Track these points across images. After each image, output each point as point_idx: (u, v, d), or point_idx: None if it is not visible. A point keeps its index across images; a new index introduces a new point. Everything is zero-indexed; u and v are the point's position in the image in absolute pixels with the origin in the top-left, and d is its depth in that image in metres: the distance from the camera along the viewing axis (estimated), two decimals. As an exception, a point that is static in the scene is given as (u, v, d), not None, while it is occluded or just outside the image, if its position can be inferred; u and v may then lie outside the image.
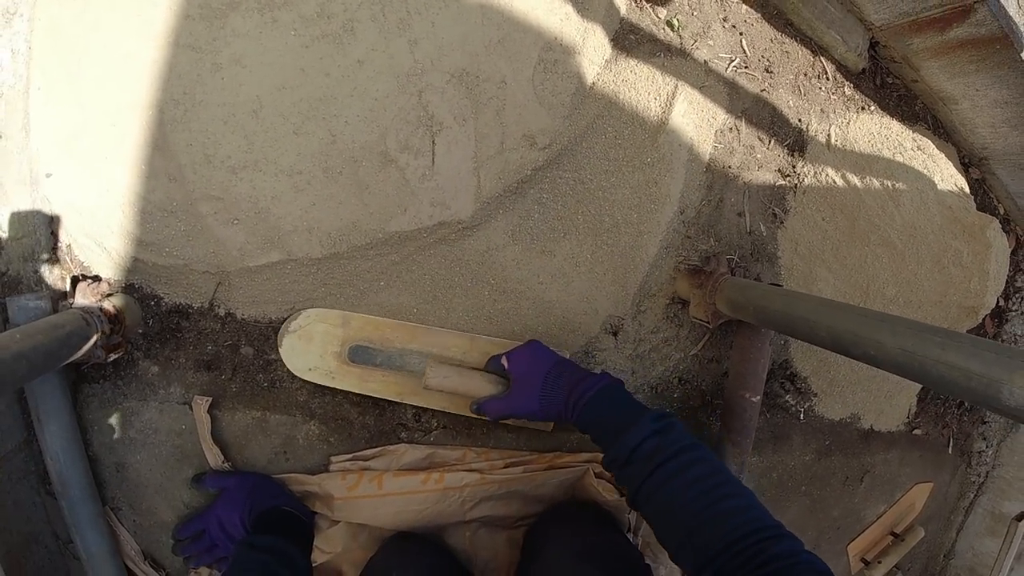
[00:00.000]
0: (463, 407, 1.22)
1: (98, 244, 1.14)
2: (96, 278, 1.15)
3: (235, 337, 1.23)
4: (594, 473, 1.25)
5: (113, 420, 1.20)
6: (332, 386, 1.23)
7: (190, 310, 1.20)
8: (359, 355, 1.23)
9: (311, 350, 1.22)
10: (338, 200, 1.14)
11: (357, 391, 1.24)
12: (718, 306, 1.20)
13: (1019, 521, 1.81)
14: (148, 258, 1.14)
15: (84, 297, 1.09)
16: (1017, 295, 2.01)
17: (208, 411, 1.19)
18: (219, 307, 1.22)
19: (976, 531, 2.33)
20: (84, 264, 1.15)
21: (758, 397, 1.28)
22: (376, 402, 1.28)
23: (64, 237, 1.13)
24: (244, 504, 1.14)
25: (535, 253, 1.24)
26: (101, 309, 1.07)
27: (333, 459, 1.26)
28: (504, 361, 1.14)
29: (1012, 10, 1.39)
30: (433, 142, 1.15)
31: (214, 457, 1.20)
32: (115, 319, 1.10)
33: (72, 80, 1.07)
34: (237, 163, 1.11)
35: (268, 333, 1.24)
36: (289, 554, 1.07)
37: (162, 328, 1.19)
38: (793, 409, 1.53)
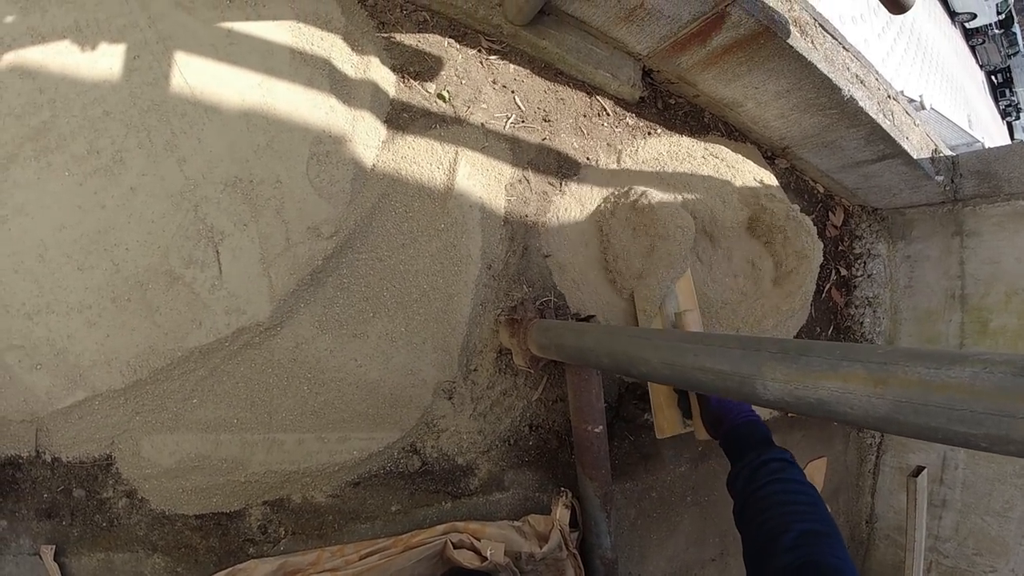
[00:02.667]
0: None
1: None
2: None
3: (66, 481, 1.23)
4: (452, 544, 1.26)
5: (-23, 578, 1.20)
6: None
7: (20, 461, 1.21)
8: None
9: None
10: (131, 327, 1.16)
11: None
12: (532, 351, 1.25)
13: (915, 477, 1.90)
14: (-34, 415, 1.15)
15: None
16: (858, 261, 2.17)
17: (55, 558, 1.19)
18: (45, 454, 1.22)
19: (890, 489, 2.44)
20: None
21: (601, 427, 1.34)
22: (218, 522, 1.27)
23: None
24: None
25: (347, 338, 1.27)
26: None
27: (183, 590, 1.23)
28: None
29: (772, 0, 1.49)
30: (217, 252, 1.18)
31: None
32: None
33: None
34: (31, 308, 1.13)
35: (95, 472, 1.24)
36: None
37: (1, 482, 1.20)
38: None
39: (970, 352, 0.56)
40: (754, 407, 1.26)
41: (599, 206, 1.53)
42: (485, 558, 1.27)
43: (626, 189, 1.51)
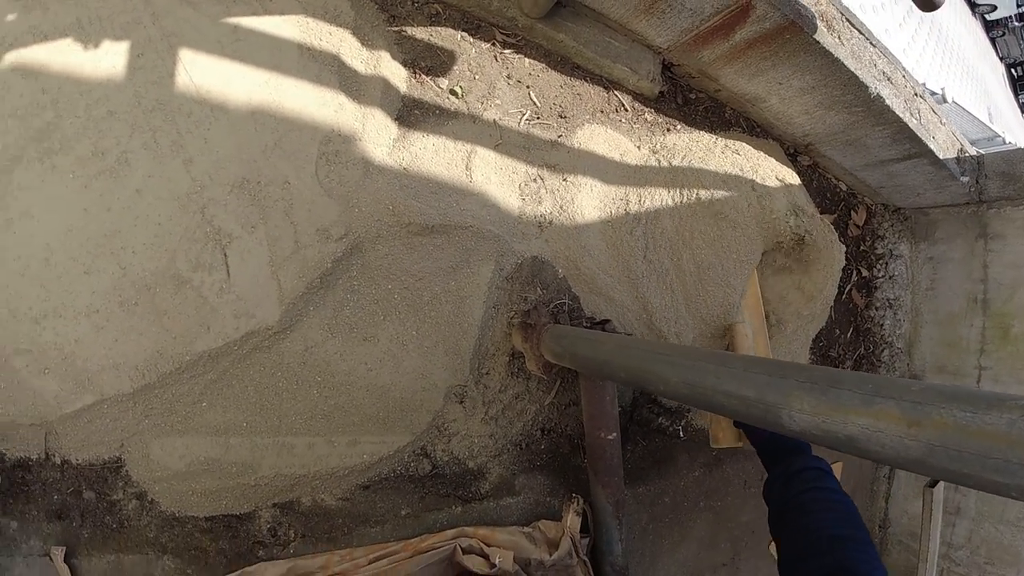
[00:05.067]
0: None
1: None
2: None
3: (76, 483, 1.23)
4: (461, 549, 1.24)
5: (-10, 576, 1.21)
6: None
7: (31, 463, 1.21)
8: None
9: None
10: (139, 331, 1.14)
11: None
12: (546, 356, 1.22)
13: (932, 488, 1.85)
14: (-21, 418, 1.14)
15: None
16: (880, 262, 2.10)
17: (66, 560, 1.20)
18: (54, 456, 1.22)
19: (904, 496, 2.39)
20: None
21: (615, 434, 1.30)
22: (228, 524, 1.26)
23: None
24: None
25: (357, 341, 1.25)
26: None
27: (193, 592, 1.23)
28: None
29: (801, -7, 1.43)
30: (225, 255, 1.15)
31: None
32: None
33: None
34: (38, 312, 1.12)
35: (105, 474, 1.24)
36: None
37: (11, 484, 1.21)
38: (670, 429, 1.56)
39: (1008, 396, 0.53)
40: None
41: (626, 204, 1.49)
42: (494, 564, 1.24)
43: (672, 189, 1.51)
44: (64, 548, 1.20)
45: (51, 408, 1.14)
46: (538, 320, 1.25)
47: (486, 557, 1.27)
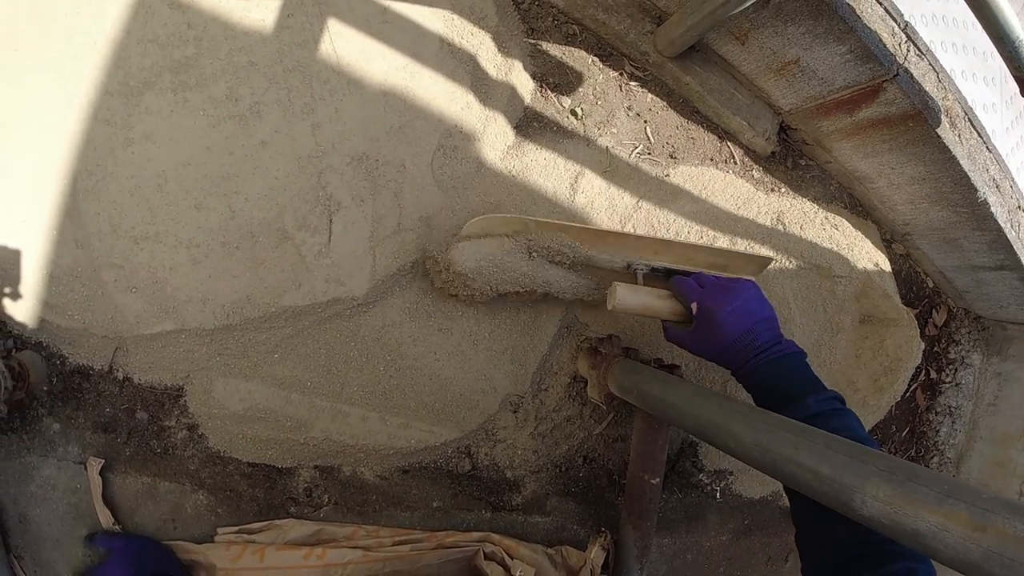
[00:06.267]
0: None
1: (11, 301, 1.18)
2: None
3: (132, 401, 1.28)
4: (484, 554, 1.25)
5: (17, 473, 1.23)
6: None
7: (91, 372, 1.25)
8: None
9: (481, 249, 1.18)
10: (233, 273, 1.19)
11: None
12: (610, 388, 1.23)
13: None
14: (53, 319, 1.19)
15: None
16: (950, 367, 2.04)
17: (101, 473, 1.23)
18: (118, 371, 1.26)
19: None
20: (-3, 320, 1.19)
21: (658, 479, 1.30)
22: (268, 475, 1.30)
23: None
24: (131, 567, 1.16)
25: (432, 330, 1.28)
26: (6, 366, 1.12)
27: (219, 530, 1.28)
28: (694, 308, 1.10)
29: (930, 85, 1.43)
30: (330, 221, 1.19)
31: (105, 518, 1.23)
32: (19, 376, 1.15)
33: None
34: (139, 233, 1.17)
35: (163, 399, 1.28)
36: None
37: (65, 387, 1.24)
38: (708, 488, 1.55)
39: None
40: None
41: None
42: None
43: None
44: (103, 461, 1.23)
45: (129, 325, 1.18)
46: (610, 350, 1.26)
47: (507, 568, 1.28)
